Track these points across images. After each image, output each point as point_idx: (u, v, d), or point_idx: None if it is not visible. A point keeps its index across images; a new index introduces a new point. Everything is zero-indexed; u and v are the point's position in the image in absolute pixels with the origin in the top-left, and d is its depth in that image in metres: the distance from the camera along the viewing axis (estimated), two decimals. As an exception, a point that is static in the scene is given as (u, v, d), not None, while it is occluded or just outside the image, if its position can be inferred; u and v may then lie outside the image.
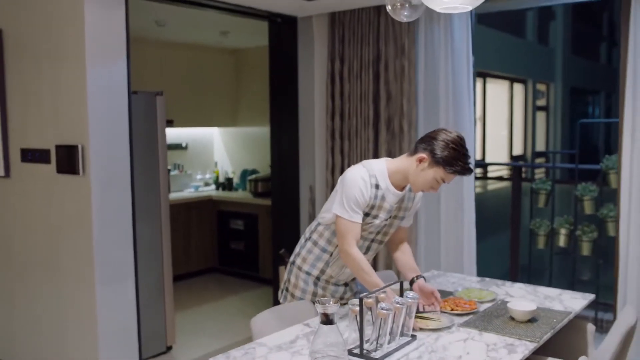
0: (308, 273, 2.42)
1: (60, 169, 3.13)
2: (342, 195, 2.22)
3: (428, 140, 2.20)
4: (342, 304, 2.38)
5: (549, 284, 4.32)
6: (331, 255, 2.37)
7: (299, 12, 4.19)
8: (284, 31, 4.31)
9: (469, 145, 3.66)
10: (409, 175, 2.24)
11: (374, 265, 3.84)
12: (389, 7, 2.10)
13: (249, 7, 3.88)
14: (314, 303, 2.34)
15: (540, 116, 11.68)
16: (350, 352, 1.90)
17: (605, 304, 3.99)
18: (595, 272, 4.25)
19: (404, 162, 2.27)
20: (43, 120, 3.25)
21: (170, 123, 4.98)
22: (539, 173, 8.67)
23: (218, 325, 4.52)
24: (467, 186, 3.69)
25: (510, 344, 2.00)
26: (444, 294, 2.54)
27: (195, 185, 6.11)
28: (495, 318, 2.25)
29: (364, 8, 3.93)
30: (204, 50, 5.94)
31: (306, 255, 2.43)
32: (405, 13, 2.08)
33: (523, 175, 6.72)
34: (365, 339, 1.92)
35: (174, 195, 5.64)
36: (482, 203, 8.84)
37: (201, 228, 5.87)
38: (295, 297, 2.45)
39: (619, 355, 2.08)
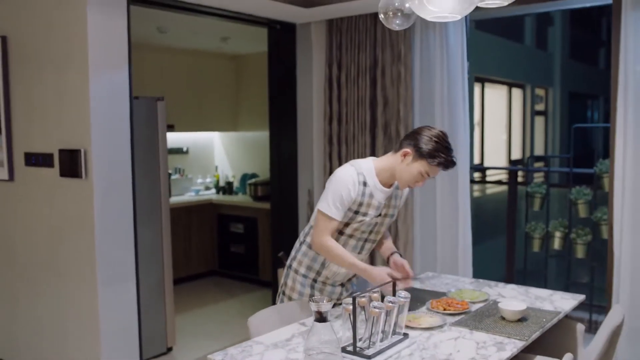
0: (305, 276, 2.48)
1: (63, 173, 3.20)
2: (328, 192, 2.31)
3: (412, 136, 2.31)
4: (339, 305, 2.44)
5: (545, 286, 4.36)
6: (326, 257, 2.44)
7: (298, 19, 4.26)
8: (283, 38, 4.38)
9: (464, 149, 3.74)
10: (396, 172, 2.33)
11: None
12: (381, 16, 2.17)
13: (249, 14, 3.96)
14: (310, 303, 2.40)
15: (539, 120, 11.73)
16: (344, 350, 1.96)
17: (599, 306, 4.04)
18: (590, 274, 4.30)
19: (390, 160, 2.36)
20: (47, 125, 3.32)
21: (171, 128, 5.05)
22: (539, 177, 8.71)
23: (218, 327, 4.58)
24: (463, 189, 3.75)
25: (500, 342, 2.06)
26: (437, 294, 2.60)
27: (195, 189, 6.17)
28: (487, 317, 2.31)
29: (361, 15, 4.00)
30: (205, 56, 6.01)
31: (302, 259, 2.49)
32: (398, 21, 2.14)
33: (522, 179, 6.77)
34: (358, 337, 1.98)
35: (175, 199, 5.70)
36: (481, 207, 8.92)
37: (201, 231, 5.93)
38: (293, 300, 2.51)
39: (606, 353, 2.13)
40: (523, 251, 4.52)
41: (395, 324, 2.05)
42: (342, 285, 2.56)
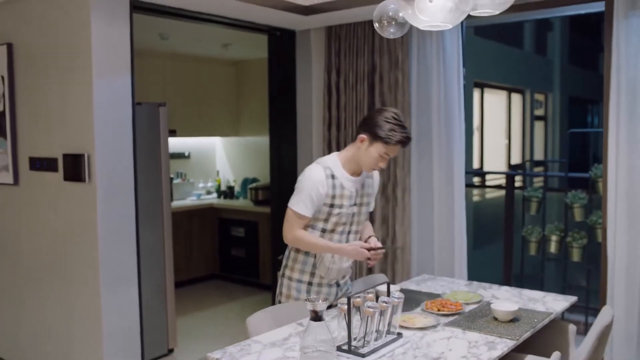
0: (299, 281, 2.54)
1: (67, 177, 3.26)
2: (297, 191, 2.43)
3: (365, 121, 2.46)
4: (335, 306, 2.49)
5: (541, 290, 4.40)
6: (315, 256, 2.51)
7: (297, 26, 4.33)
8: (282, 44, 4.45)
9: (459, 154, 3.80)
10: (359, 159, 2.45)
11: (366, 268, 3.95)
12: (376, 25, 2.23)
13: (249, 21, 4.02)
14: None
15: (539, 125, 11.78)
16: (339, 349, 2.01)
17: (595, 309, 4.08)
18: (586, 277, 4.35)
19: (351, 150, 2.50)
20: (51, 130, 3.38)
21: (173, 133, 5.11)
22: (539, 181, 8.76)
23: (218, 329, 4.63)
24: (459, 194, 3.80)
25: (491, 342, 2.12)
26: (432, 296, 2.66)
27: (197, 194, 6.24)
28: (479, 318, 2.36)
29: (359, 22, 4.07)
30: (206, 62, 6.08)
31: (293, 265, 2.56)
32: (392, 30, 2.21)
33: (520, 183, 6.82)
34: (353, 336, 2.04)
35: (176, 203, 5.76)
36: (481, 211, 8.95)
37: (203, 235, 5.99)
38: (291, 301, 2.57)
39: (595, 352, 2.18)
40: (519, 255, 4.57)
41: (389, 324, 2.11)
42: (338, 285, 2.61)
